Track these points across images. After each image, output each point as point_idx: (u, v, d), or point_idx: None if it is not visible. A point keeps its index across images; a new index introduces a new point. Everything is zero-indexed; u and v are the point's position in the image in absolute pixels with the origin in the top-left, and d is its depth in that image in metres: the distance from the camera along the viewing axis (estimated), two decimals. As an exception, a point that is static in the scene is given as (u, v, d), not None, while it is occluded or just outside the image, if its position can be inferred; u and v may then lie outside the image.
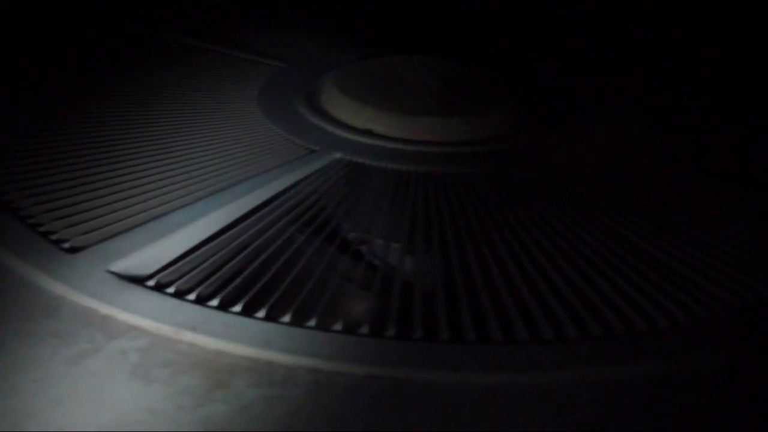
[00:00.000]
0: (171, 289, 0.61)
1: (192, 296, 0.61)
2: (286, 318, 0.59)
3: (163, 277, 0.63)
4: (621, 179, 0.87)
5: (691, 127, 1.01)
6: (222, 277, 0.63)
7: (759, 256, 0.71)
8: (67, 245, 0.67)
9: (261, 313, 0.59)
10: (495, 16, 1.49)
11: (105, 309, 0.59)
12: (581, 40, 1.38)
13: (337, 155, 0.86)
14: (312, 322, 0.58)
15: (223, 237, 0.69)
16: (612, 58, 1.30)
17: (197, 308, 0.59)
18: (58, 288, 0.61)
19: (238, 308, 0.60)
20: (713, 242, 0.73)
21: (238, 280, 0.63)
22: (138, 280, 0.62)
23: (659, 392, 0.55)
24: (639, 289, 0.65)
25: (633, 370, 0.57)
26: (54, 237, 0.68)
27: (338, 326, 0.58)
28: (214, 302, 0.60)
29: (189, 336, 0.56)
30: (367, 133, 0.91)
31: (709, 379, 0.56)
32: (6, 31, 1.16)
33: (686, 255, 0.71)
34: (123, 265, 0.64)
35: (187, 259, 0.66)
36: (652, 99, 1.11)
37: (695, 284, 0.66)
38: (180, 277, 0.63)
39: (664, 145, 0.94)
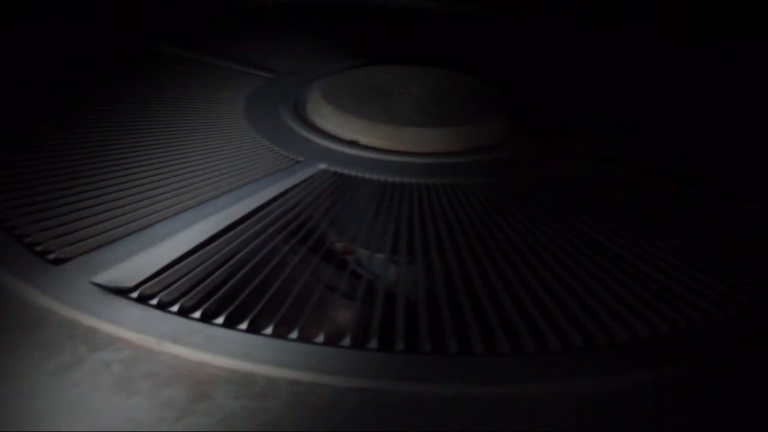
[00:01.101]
0: (154, 301, 0.62)
1: (175, 308, 0.61)
2: (268, 330, 0.59)
3: (146, 288, 0.63)
4: (608, 190, 0.87)
5: (680, 137, 1.01)
6: (205, 289, 0.64)
7: (743, 268, 0.71)
8: (51, 256, 0.67)
9: (243, 325, 0.59)
10: (482, 25, 1.49)
11: (88, 320, 0.59)
12: (570, 48, 1.39)
13: (323, 166, 0.86)
14: (294, 334, 0.59)
15: (207, 248, 0.70)
16: (601, 67, 1.31)
17: (180, 320, 0.60)
18: (42, 299, 0.61)
19: (220, 320, 0.60)
20: (699, 254, 0.73)
21: (221, 292, 0.63)
22: (121, 292, 0.63)
23: (641, 403, 0.55)
24: (621, 300, 0.65)
25: (615, 382, 0.57)
26: (38, 248, 0.68)
27: (320, 338, 0.58)
28: (197, 314, 0.60)
29: (171, 348, 0.57)
30: (353, 143, 0.91)
31: (691, 390, 0.57)
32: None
33: (670, 266, 0.71)
34: (107, 277, 0.64)
35: (171, 270, 0.66)
36: (641, 109, 1.12)
37: (678, 296, 0.66)
38: (163, 289, 0.63)
39: (653, 156, 0.94)
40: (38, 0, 1.30)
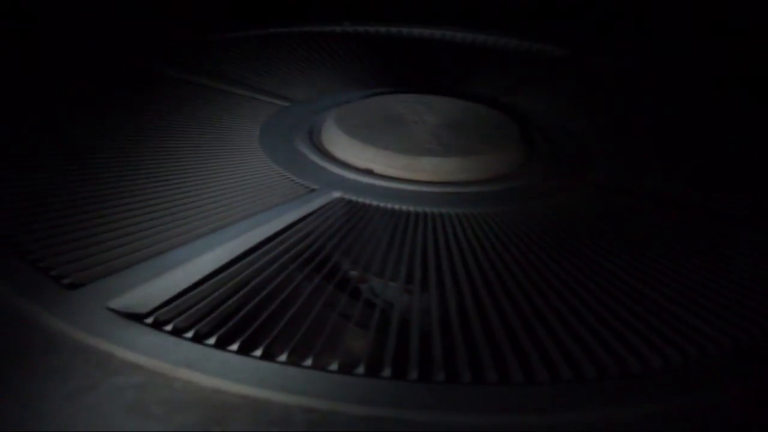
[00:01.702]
0: (169, 327, 0.62)
1: (190, 334, 0.61)
2: (283, 357, 0.59)
3: (161, 314, 0.63)
4: (621, 220, 0.87)
5: (694, 168, 1.01)
6: (220, 316, 0.64)
7: (754, 298, 0.71)
8: (66, 281, 0.67)
9: (258, 352, 0.59)
10: (496, 55, 1.50)
11: (103, 345, 0.59)
12: (584, 79, 1.39)
13: (337, 194, 0.86)
14: (308, 362, 0.59)
15: (222, 275, 0.70)
16: (615, 94, 1.31)
17: (195, 346, 0.60)
18: (56, 324, 0.61)
19: (235, 346, 0.60)
20: (711, 284, 0.73)
21: (235, 319, 0.63)
22: (136, 317, 0.63)
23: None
24: (634, 329, 0.65)
25: (627, 412, 0.57)
26: (54, 273, 0.68)
27: (335, 366, 0.59)
28: (212, 340, 0.60)
29: (186, 374, 0.57)
30: (368, 172, 0.92)
31: (703, 420, 0.56)
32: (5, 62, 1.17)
33: (682, 296, 0.71)
34: (122, 302, 0.64)
35: (186, 296, 0.66)
36: (656, 137, 1.12)
37: (690, 325, 0.66)
38: (178, 315, 0.63)
39: (665, 186, 0.94)
40: (53, 28, 1.31)
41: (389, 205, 0.85)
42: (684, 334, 0.65)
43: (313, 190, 0.87)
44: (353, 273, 0.74)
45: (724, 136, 1.13)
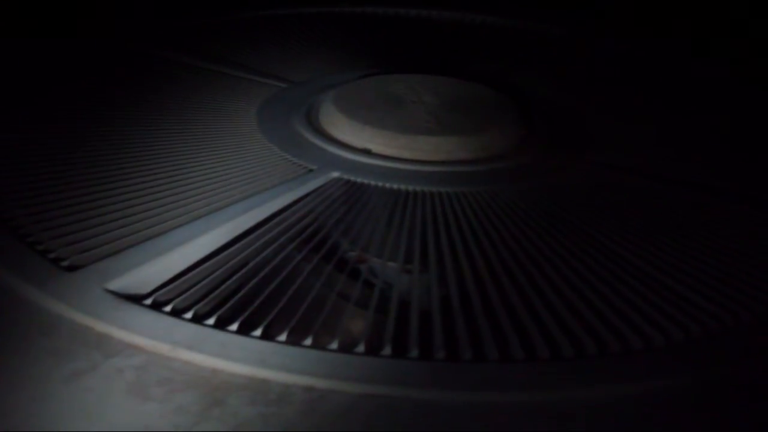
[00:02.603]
0: (168, 308, 0.62)
1: (189, 315, 0.61)
2: (282, 337, 0.59)
3: (160, 295, 0.63)
4: (620, 198, 0.87)
5: (694, 145, 1.01)
6: (219, 296, 0.64)
7: (757, 275, 0.71)
8: (65, 263, 0.67)
9: (257, 332, 0.59)
10: (494, 35, 1.50)
11: (102, 327, 0.59)
12: (582, 59, 1.38)
13: (336, 174, 0.86)
14: (308, 341, 0.59)
15: (220, 256, 0.70)
16: (613, 74, 1.30)
17: (194, 327, 0.60)
18: (55, 306, 0.61)
19: (234, 327, 0.60)
20: (712, 261, 0.73)
21: (234, 299, 0.63)
22: (135, 299, 0.63)
23: (654, 410, 0.55)
24: (635, 306, 0.65)
25: (628, 389, 0.57)
26: (52, 255, 0.68)
27: (334, 345, 0.58)
28: (211, 321, 0.60)
29: (185, 354, 0.57)
30: (366, 152, 0.91)
31: (705, 397, 0.56)
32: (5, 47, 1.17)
33: (683, 273, 0.71)
34: (121, 284, 0.64)
35: (185, 277, 0.66)
36: (653, 116, 1.11)
37: (692, 303, 0.66)
38: (177, 296, 0.63)
39: (664, 163, 0.94)
40: (48, 12, 1.31)
41: (387, 185, 0.85)
42: (686, 312, 0.65)
43: (311, 170, 0.87)
44: (352, 253, 0.74)
45: (724, 114, 1.13)
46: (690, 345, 0.62)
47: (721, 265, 0.73)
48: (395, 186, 0.85)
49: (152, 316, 0.61)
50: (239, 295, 0.64)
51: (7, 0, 1.28)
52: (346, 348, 0.59)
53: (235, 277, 0.67)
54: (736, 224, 0.81)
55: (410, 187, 0.85)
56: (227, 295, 0.64)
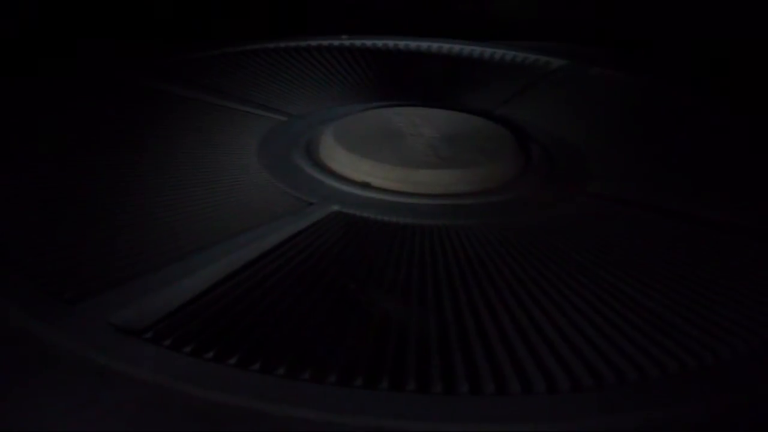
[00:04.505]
0: (168, 341, 0.62)
1: (189, 348, 0.61)
2: (281, 370, 0.59)
3: (160, 328, 0.63)
4: (617, 230, 0.87)
5: (691, 177, 1.01)
6: (219, 330, 0.64)
7: (752, 307, 0.72)
8: (65, 296, 0.67)
9: (256, 366, 0.60)
10: (491, 66, 1.50)
11: (102, 360, 0.59)
12: (581, 91, 1.39)
13: (335, 208, 0.87)
14: (306, 375, 0.59)
15: (220, 289, 0.70)
16: (614, 105, 1.31)
17: (194, 360, 0.60)
18: (54, 338, 0.62)
19: (233, 360, 0.60)
20: (708, 293, 0.74)
21: (234, 333, 0.64)
22: (135, 332, 0.63)
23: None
24: (631, 339, 0.66)
25: (624, 421, 0.57)
26: (52, 287, 0.69)
27: (332, 378, 0.59)
28: (210, 354, 0.61)
29: (185, 388, 0.57)
30: (365, 185, 0.92)
31: (701, 429, 0.57)
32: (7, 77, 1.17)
33: (678, 305, 0.71)
34: (121, 317, 0.65)
35: (185, 311, 0.66)
36: (655, 148, 1.12)
37: (686, 334, 0.67)
38: (177, 329, 0.64)
39: (661, 195, 0.95)
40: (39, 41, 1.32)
41: (387, 218, 0.85)
42: (683, 345, 0.65)
43: (311, 204, 0.88)
44: (351, 286, 0.74)
45: (725, 145, 1.13)
46: (687, 377, 0.62)
47: (720, 297, 0.73)
48: (394, 219, 0.85)
49: (153, 350, 0.61)
50: (239, 328, 0.64)
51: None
52: (344, 381, 0.59)
53: (234, 311, 0.67)
54: (742, 258, 0.81)
55: (410, 220, 0.85)
56: (226, 329, 0.65)
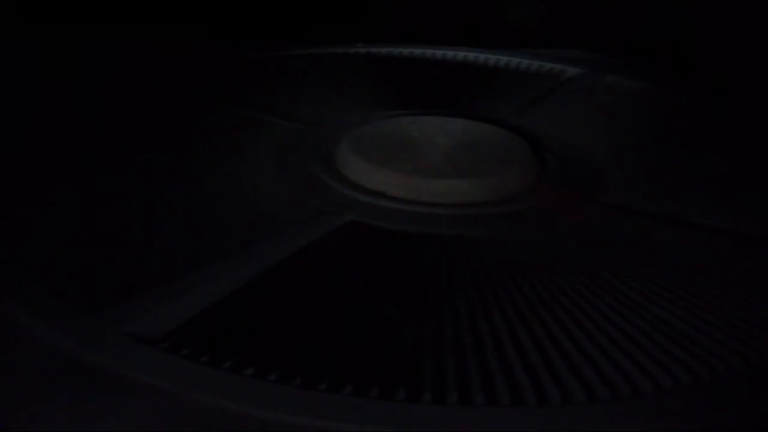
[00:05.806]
0: (184, 351, 0.62)
1: (206, 358, 0.61)
2: (297, 381, 0.59)
3: (176, 338, 0.64)
4: (631, 240, 0.87)
5: (706, 187, 1.01)
6: (234, 340, 0.64)
7: (765, 317, 0.71)
8: (80, 305, 0.68)
9: (272, 376, 0.60)
10: (508, 75, 1.50)
11: (117, 370, 0.59)
12: (593, 98, 1.39)
13: (350, 217, 0.87)
14: (323, 385, 0.59)
15: (235, 299, 0.70)
16: (629, 115, 1.31)
17: (210, 370, 0.60)
18: (70, 348, 0.62)
19: (250, 371, 0.60)
20: (721, 303, 0.73)
21: (250, 343, 0.64)
22: (152, 342, 0.63)
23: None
24: (645, 350, 0.65)
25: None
26: (67, 297, 0.69)
27: (347, 389, 0.59)
28: (227, 364, 0.61)
29: (201, 398, 0.57)
30: (380, 195, 0.92)
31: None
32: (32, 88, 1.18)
33: (692, 316, 0.71)
34: (136, 326, 0.65)
35: (201, 320, 0.67)
36: (670, 158, 1.12)
37: (700, 345, 0.66)
38: (193, 339, 0.64)
39: (675, 205, 0.94)
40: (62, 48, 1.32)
41: (401, 228, 0.85)
42: (696, 356, 0.65)
43: (326, 213, 0.88)
44: (365, 296, 0.74)
45: (743, 156, 1.13)
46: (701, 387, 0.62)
47: (733, 308, 0.73)
48: (408, 228, 0.85)
49: (168, 360, 0.61)
50: (254, 339, 0.65)
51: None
52: (360, 392, 0.59)
53: (251, 321, 0.67)
54: (755, 268, 0.81)
55: (423, 230, 0.85)
56: (242, 339, 0.65)
